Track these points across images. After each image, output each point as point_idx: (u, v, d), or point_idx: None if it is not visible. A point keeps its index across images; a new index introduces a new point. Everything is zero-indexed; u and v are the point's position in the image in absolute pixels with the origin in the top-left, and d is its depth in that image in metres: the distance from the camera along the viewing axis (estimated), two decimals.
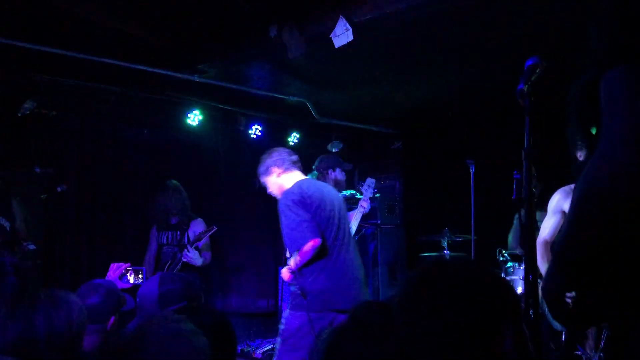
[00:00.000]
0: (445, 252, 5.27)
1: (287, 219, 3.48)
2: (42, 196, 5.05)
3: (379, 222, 6.19)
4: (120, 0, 3.89)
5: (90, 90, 5.12)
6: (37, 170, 4.88)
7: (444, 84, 5.23)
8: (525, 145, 1.66)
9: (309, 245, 3.40)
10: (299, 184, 3.62)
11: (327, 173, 4.87)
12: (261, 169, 3.76)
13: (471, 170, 5.11)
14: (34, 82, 4.79)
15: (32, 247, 4.64)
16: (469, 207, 4.99)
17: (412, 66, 4.77)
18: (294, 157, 3.80)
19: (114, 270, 3.02)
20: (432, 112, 6.28)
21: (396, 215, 6.49)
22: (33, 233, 4.88)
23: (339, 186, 4.81)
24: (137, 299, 2.34)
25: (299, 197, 3.50)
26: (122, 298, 2.53)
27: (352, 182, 7.53)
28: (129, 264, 3.19)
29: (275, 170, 3.72)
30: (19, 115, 4.85)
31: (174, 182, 5.29)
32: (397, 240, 6.41)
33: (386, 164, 7.28)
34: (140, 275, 3.34)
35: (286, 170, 3.73)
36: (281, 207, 3.53)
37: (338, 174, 4.93)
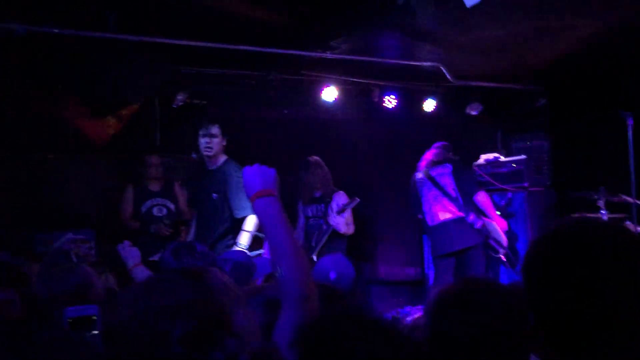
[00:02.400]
0: (602, 212, 4.88)
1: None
2: None
3: (526, 184, 5.89)
4: None
5: (232, 78, 5.45)
6: (194, 155, 5.36)
7: (593, 29, 4.75)
8: None
9: None
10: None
11: None
12: (222, 130, 4.74)
13: (629, 123, 4.66)
14: (183, 75, 5.21)
15: None
16: (627, 165, 4.57)
17: (554, 13, 4.41)
18: None
19: None
20: (580, 62, 5.77)
21: (544, 176, 6.13)
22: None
23: None
24: (335, 274, 2.68)
25: None
26: (251, 269, 2.56)
27: (495, 144, 7.24)
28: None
29: None
30: (174, 106, 5.34)
31: (315, 157, 5.48)
32: (547, 203, 6.06)
33: (532, 123, 6.86)
34: None
35: None
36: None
37: None
